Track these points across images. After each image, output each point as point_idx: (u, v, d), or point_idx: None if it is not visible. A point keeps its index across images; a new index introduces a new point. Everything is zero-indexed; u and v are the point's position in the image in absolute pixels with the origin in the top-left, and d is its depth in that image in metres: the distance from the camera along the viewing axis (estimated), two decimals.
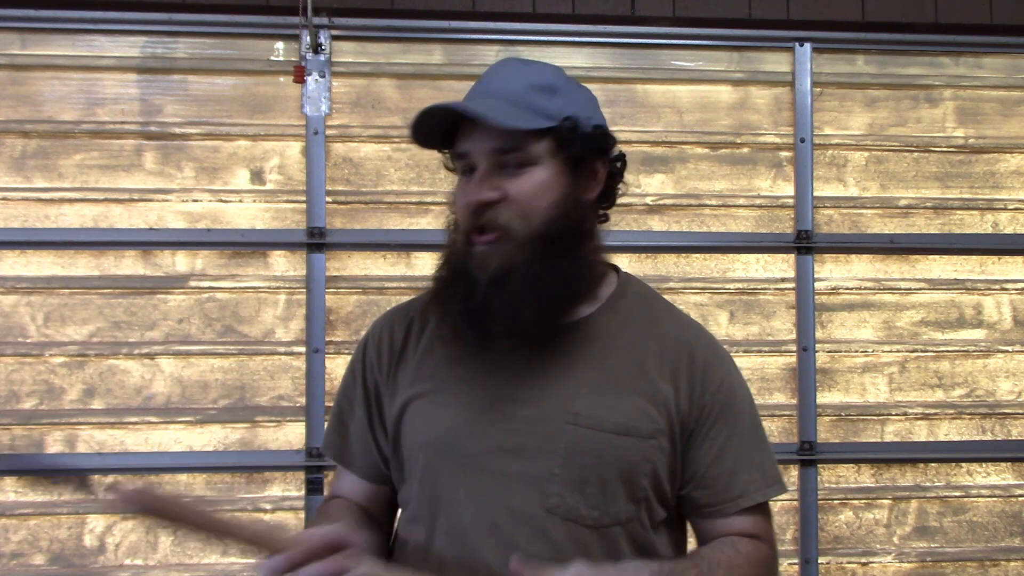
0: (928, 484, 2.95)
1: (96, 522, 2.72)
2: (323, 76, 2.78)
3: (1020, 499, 2.97)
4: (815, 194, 2.92)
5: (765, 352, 2.91)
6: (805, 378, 2.89)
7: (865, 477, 2.94)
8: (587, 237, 1.34)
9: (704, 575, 1.26)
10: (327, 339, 2.76)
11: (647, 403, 1.31)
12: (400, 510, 1.41)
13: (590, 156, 1.32)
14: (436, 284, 1.35)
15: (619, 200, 1.41)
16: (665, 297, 1.47)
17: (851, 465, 2.93)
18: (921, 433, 2.95)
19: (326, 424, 1.50)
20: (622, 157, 1.39)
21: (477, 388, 1.31)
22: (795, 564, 2.88)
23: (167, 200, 2.78)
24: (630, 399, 1.30)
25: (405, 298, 1.53)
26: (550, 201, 1.28)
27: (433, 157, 2.79)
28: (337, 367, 2.75)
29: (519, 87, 1.29)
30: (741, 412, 1.37)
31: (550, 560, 1.21)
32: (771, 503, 1.40)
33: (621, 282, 1.40)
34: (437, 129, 1.33)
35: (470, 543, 1.27)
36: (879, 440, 2.93)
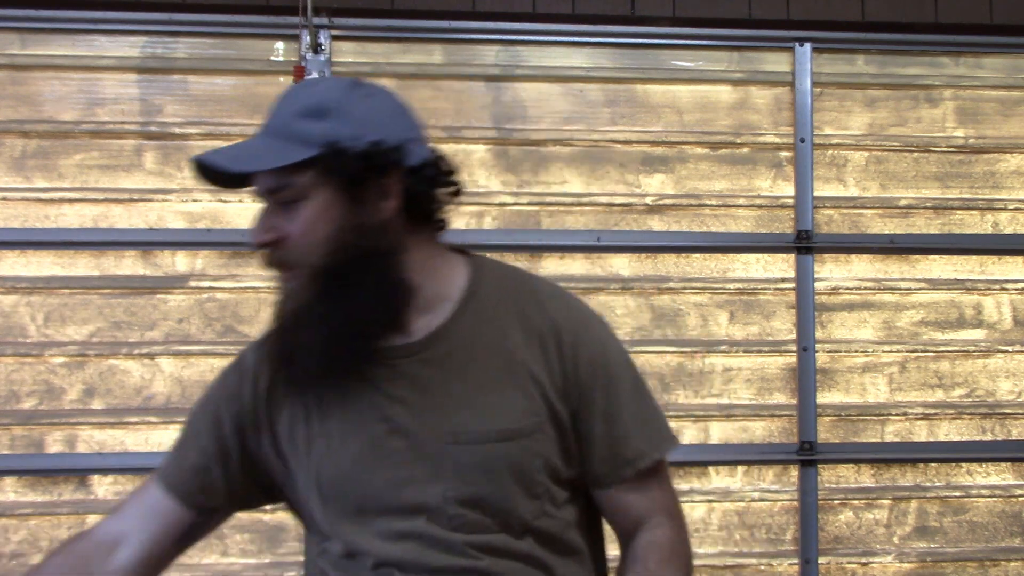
0: (928, 484, 2.95)
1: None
2: (323, 76, 2.78)
3: (1020, 499, 2.97)
4: (815, 194, 2.92)
5: (765, 352, 2.91)
6: (805, 378, 2.89)
7: (865, 477, 2.94)
8: (387, 257, 1.25)
9: None
10: None
11: (523, 397, 1.27)
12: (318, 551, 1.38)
13: (369, 175, 1.22)
14: (271, 323, 1.31)
15: (459, 200, 1.35)
16: (524, 269, 1.41)
17: (851, 465, 2.93)
18: (921, 433, 2.95)
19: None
20: (436, 158, 1.30)
21: (351, 426, 1.28)
22: (795, 564, 2.88)
23: (167, 200, 2.78)
24: (506, 399, 1.27)
25: None
26: (326, 234, 1.21)
27: None
28: None
29: (284, 116, 1.24)
30: (621, 376, 1.33)
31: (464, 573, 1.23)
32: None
33: (473, 278, 1.32)
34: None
35: (379, 573, 1.26)
36: (879, 440, 2.94)
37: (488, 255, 1.41)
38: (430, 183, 1.29)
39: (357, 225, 1.23)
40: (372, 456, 1.26)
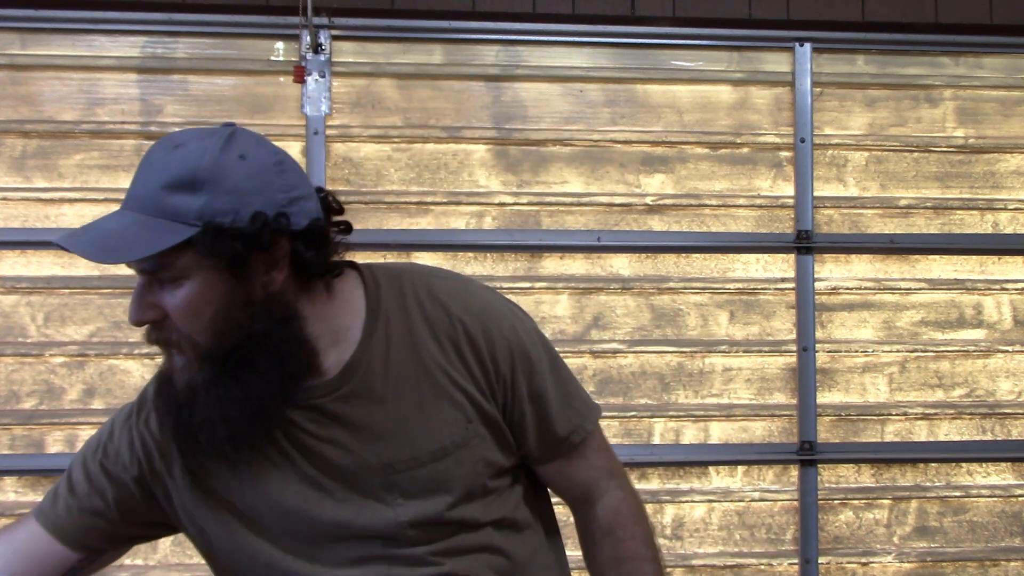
0: (928, 484, 2.95)
1: None
2: (323, 76, 2.78)
3: (1020, 499, 2.97)
4: (815, 194, 2.92)
5: (765, 352, 2.91)
6: (805, 378, 2.88)
7: (865, 477, 2.94)
8: (284, 325, 1.18)
9: None
10: None
11: (450, 407, 1.25)
12: None
13: (253, 250, 1.13)
14: (155, 391, 1.25)
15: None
16: (411, 264, 1.38)
17: (851, 465, 2.93)
18: (921, 433, 2.95)
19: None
20: (317, 218, 1.19)
21: (287, 473, 1.23)
22: (795, 564, 2.88)
23: None
24: (434, 416, 1.25)
25: None
26: (211, 314, 1.13)
27: (433, 157, 2.81)
28: None
29: (153, 190, 1.14)
30: (538, 358, 1.31)
31: None
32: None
33: (370, 300, 1.26)
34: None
35: None
36: (879, 440, 2.93)
37: (390, 258, 1.37)
38: (319, 241, 1.20)
39: (244, 303, 1.15)
40: (315, 496, 1.23)
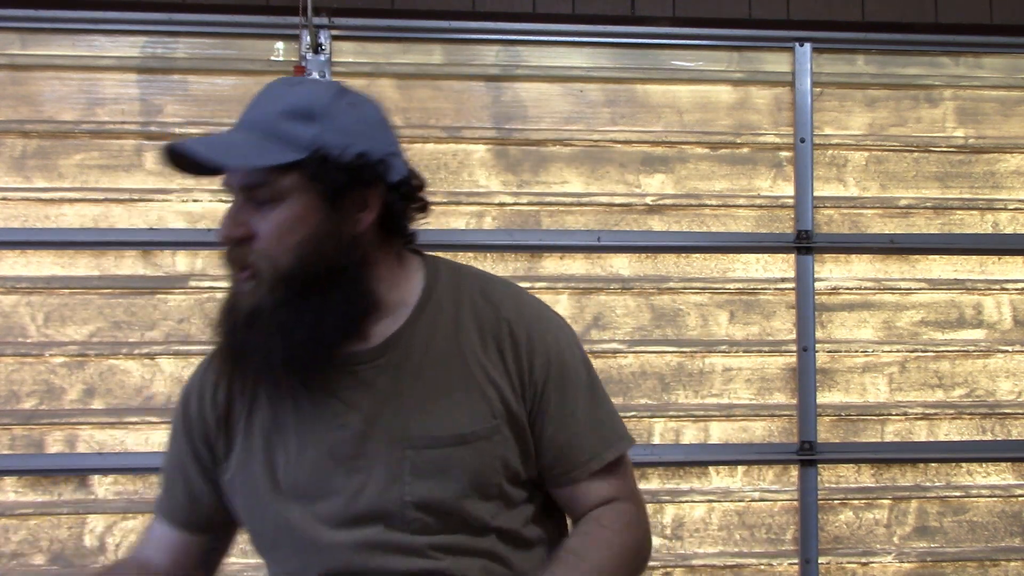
0: (928, 484, 2.95)
1: (96, 522, 2.72)
2: (323, 76, 2.78)
3: (1020, 499, 2.97)
4: (815, 194, 2.92)
5: (765, 352, 2.91)
6: (805, 378, 2.88)
7: (865, 477, 2.94)
8: (358, 268, 1.24)
9: (582, 571, 1.24)
10: None
11: (480, 400, 1.27)
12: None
13: (352, 186, 1.20)
14: (215, 322, 1.29)
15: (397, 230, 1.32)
16: (479, 269, 1.40)
17: (851, 465, 2.93)
18: (921, 433, 2.95)
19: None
20: (408, 181, 1.28)
21: (308, 433, 1.26)
22: (795, 564, 2.88)
23: (167, 200, 2.78)
24: (462, 403, 1.26)
25: None
26: (300, 238, 1.19)
27: (433, 157, 2.81)
28: None
29: (271, 115, 1.21)
30: (576, 376, 1.32)
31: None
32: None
33: (429, 282, 1.31)
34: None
35: None
36: (879, 440, 2.94)
37: (444, 256, 1.40)
38: (407, 199, 1.28)
39: (332, 235, 1.21)
40: (330, 463, 1.25)
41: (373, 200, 1.23)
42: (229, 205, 1.22)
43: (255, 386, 1.29)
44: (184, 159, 1.21)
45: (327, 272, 1.20)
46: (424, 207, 1.32)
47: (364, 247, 1.24)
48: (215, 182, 1.29)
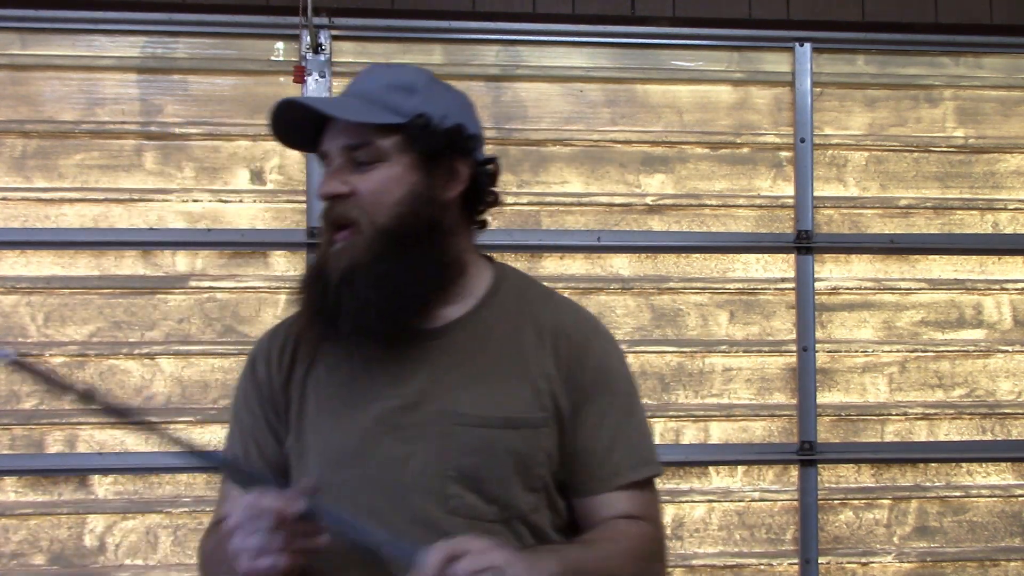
0: (928, 484, 2.95)
1: (96, 522, 2.72)
2: (323, 76, 2.78)
3: (1020, 499, 2.97)
4: (815, 194, 2.92)
5: (765, 352, 2.91)
6: (805, 378, 2.88)
7: (865, 477, 2.94)
8: (445, 235, 1.32)
9: (598, 557, 1.26)
10: None
11: (531, 392, 1.31)
12: None
13: (446, 154, 1.31)
14: (299, 286, 1.35)
15: (492, 204, 1.41)
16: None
17: (851, 465, 2.93)
18: (921, 433, 2.95)
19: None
20: (493, 160, 1.39)
21: (362, 400, 1.30)
22: (795, 564, 2.88)
23: (167, 200, 2.78)
24: (515, 391, 1.31)
25: None
26: (398, 197, 1.28)
27: None
28: None
29: (377, 86, 1.32)
30: (617, 391, 1.36)
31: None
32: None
33: (497, 278, 1.39)
34: (302, 131, 1.34)
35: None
36: (879, 440, 2.93)
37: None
38: (488, 179, 1.38)
39: (426, 198, 1.29)
40: (379, 431, 1.28)
41: (463, 171, 1.33)
42: (329, 168, 1.31)
43: (315, 353, 1.34)
44: (290, 121, 1.31)
45: (421, 232, 1.28)
46: (496, 199, 1.40)
47: (452, 217, 1.33)
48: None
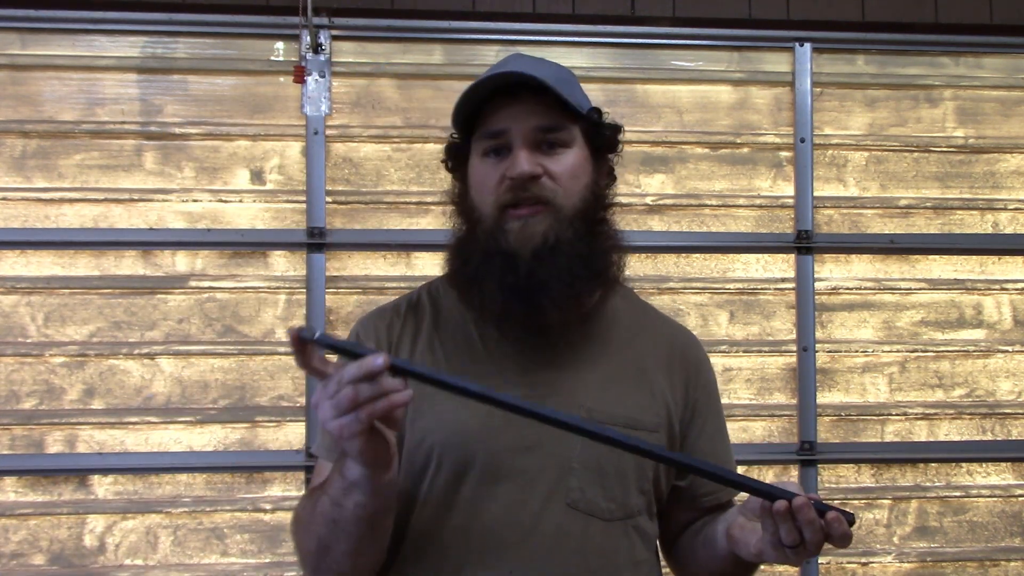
0: (928, 484, 2.95)
1: (96, 522, 2.72)
2: (323, 76, 2.78)
3: (1020, 499, 2.97)
4: (815, 194, 2.92)
5: (765, 352, 2.91)
6: (805, 378, 2.89)
7: (865, 477, 2.94)
8: (608, 225, 1.36)
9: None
10: None
11: (648, 397, 1.34)
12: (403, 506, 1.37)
13: (607, 150, 1.35)
14: (462, 266, 1.31)
15: (615, 201, 1.43)
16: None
17: (851, 465, 2.93)
18: (921, 433, 2.95)
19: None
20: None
21: (488, 384, 1.28)
22: None
23: (167, 200, 2.78)
24: (634, 393, 1.33)
25: None
26: (584, 183, 1.30)
27: (433, 157, 2.81)
28: None
29: (549, 74, 1.29)
30: (719, 410, 1.44)
31: (571, 555, 1.24)
32: None
33: (612, 288, 1.41)
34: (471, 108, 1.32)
35: (491, 541, 1.25)
36: (879, 440, 2.94)
37: None
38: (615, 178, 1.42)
39: (598, 188, 1.34)
40: (504, 414, 1.25)
41: (611, 171, 1.38)
42: (493, 156, 1.29)
43: (432, 334, 1.33)
44: (476, 99, 1.28)
45: (599, 219, 1.32)
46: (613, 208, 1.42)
47: (608, 208, 1.36)
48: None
